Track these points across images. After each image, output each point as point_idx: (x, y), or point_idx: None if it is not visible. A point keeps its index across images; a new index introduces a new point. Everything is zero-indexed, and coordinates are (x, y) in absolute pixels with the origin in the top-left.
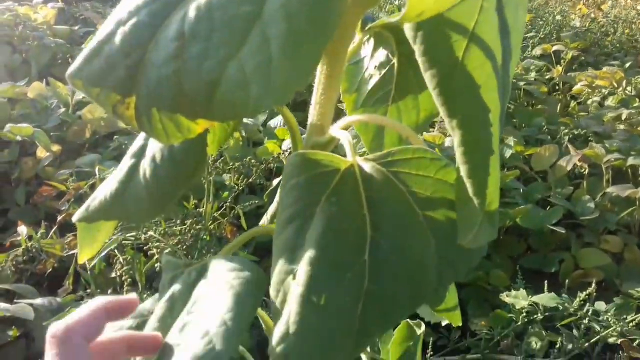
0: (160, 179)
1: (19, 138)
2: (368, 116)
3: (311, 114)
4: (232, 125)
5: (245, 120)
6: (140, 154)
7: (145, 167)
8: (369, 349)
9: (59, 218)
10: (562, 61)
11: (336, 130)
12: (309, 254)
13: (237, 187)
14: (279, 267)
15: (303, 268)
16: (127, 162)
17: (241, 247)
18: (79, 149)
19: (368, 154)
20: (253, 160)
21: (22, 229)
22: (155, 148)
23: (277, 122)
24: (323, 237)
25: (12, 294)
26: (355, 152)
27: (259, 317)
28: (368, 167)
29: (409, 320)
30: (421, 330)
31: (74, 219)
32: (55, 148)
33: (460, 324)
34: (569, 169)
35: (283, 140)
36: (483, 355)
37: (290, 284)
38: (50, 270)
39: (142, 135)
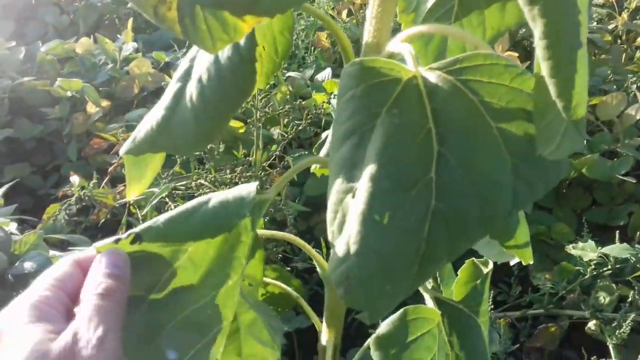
0: (207, 101)
1: (69, 94)
2: (430, 26)
3: (366, 30)
4: (280, 53)
5: (291, 74)
6: (185, 77)
7: (192, 89)
8: (429, 285)
9: (110, 169)
10: (626, 10)
11: (394, 45)
12: (369, 170)
13: (286, 136)
14: (337, 185)
15: (363, 185)
16: (172, 87)
17: (292, 198)
18: (128, 105)
19: None
20: (300, 112)
21: (74, 179)
22: (201, 68)
23: (324, 75)
24: (384, 152)
25: (66, 245)
26: (418, 64)
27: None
28: (433, 76)
29: (474, 258)
30: (488, 268)
31: (121, 151)
32: (104, 103)
33: (531, 262)
34: (637, 117)
35: (331, 93)
36: (546, 310)
37: (349, 202)
38: (103, 220)
39: (188, 57)
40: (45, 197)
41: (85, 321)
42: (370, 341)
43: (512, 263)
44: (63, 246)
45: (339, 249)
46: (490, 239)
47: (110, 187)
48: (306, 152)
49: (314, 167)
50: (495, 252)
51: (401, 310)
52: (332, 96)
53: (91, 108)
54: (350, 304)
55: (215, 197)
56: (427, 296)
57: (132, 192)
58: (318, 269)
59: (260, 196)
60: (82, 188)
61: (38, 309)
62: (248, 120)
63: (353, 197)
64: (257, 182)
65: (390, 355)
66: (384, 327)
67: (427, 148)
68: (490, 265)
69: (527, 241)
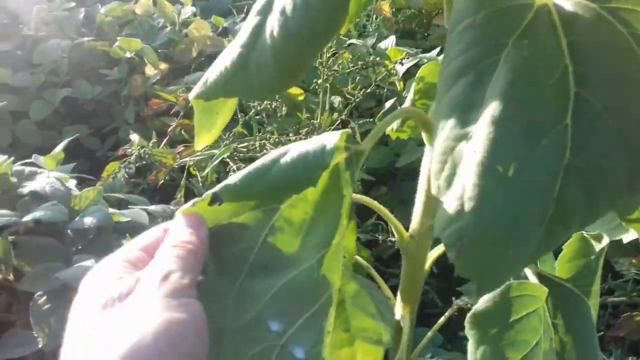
0: (291, 36)
1: (127, 55)
2: None
3: None
4: None
5: (353, 41)
6: (266, 10)
7: (273, 23)
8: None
9: (169, 129)
10: None
11: None
12: (490, 112)
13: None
14: (446, 131)
15: (483, 130)
16: (250, 22)
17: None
18: (186, 69)
19: None
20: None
21: (134, 136)
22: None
23: (387, 43)
24: (510, 92)
25: (125, 204)
26: None
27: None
28: (569, 4)
29: (584, 232)
30: (603, 243)
31: (191, 95)
32: (163, 66)
33: None
34: None
35: (396, 61)
36: (629, 297)
37: (463, 150)
38: (161, 183)
39: None
40: (102, 159)
41: (151, 266)
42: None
43: (625, 240)
44: (122, 206)
45: (450, 205)
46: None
47: (169, 148)
48: (370, 120)
49: (390, 129)
50: (607, 227)
51: (504, 285)
52: (395, 64)
53: (149, 70)
54: (463, 270)
55: (295, 148)
56: (529, 272)
57: (201, 142)
58: (396, 237)
59: (357, 147)
60: (142, 147)
61: (128, 265)
62: (309, 88)
63: (467, 144)
64: (346, 130)
65: (489, 336)
66: (482, 304)
67: (562, 89)
68: (606, 240)
69: None
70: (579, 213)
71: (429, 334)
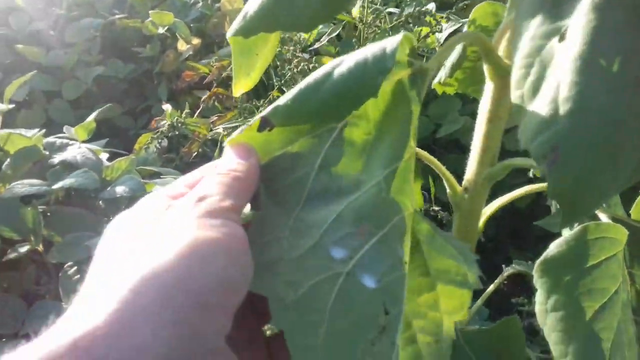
0: None
1: (160, 31)
2: None
3: None
4: None
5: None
6: None
7: None
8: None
9: (203, 98)
10: None
11: None
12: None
13: None
14: (532, 29)
15: (581, 19)
16: None
17: None
18: (219, 44)
19: None
20: None
21: (167, 106)
22: None
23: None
24: None
25: (158, 177)
26: None
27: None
28: None
29: None
30: None
31: (229, 33)
32: (195, 41)
33: None
34: None
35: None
36: None
37: (555, 48)
38: (195, 155)
39: None
40: (135, 138)
41: (190, 192)
42: (536, 267)
43: None
44: (154, 179)
45: (541, 110)
46: None
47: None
48: None
49: (437, 82)
50: None
51: (579, 227)
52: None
53: (182, 46)
54: (556, 187)
55: (350, 57)
56: (603, 216)
57: (240, 87)
58: (449, 192)
59: (422, 64)
60: (174, 117)
61: (170, 200)
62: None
63: (562, 39)
64: (407, 33)
65: (562, 284)
66: (554, 248)
67: None
68: None
69: None
70: None
71: (478, 302)
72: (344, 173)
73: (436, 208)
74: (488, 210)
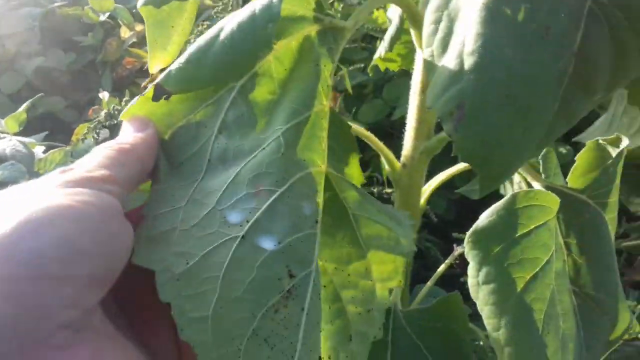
0: None
1: (101, 18)
2: None
3: None
4: None
5: None
6: None
7: None
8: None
9: (143, 84)
10: None
11: None
12: None
13: None
14: None
15: None
16: None
17: None
18: None
19: None
20: None
21: (104, 94)
22: None
23: None
24: None
25: None
26: None
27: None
28: None
29: (599, 138)
30: (622, 144)
31: (139, 4)
32: (139, 27)
33: None
34: None
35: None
36: None
37: (461, 1)
38: None
39: None
40: None
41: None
42: (466, 239)
43: None
44: None
45: (447, 66)
46: (630, 105)
47: None
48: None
49: (377, 57)
50: (626, 133)
51: (508, 195)
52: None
53: (125, 33)
54: (462, 147)
55: (240, 12)
56: (536, 185)
57: (156, 62)
58: (387, 169)
59: (333, 20)
60: (112, 105)
61: None
62: None
63: None
64: None
65: (492, 255)
66: (484, 219)
67: None
68: (625, 142)
69: None
70: (603, 71)
71: (428, 283)
72: (245, 134)
73: (389, 190)
74: (429, 187)
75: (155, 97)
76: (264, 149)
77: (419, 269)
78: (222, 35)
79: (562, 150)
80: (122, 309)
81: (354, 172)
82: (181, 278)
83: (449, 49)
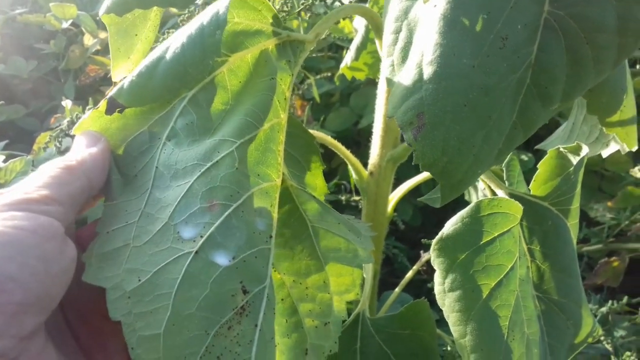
0: None
1: (64, 25)
2: None
3: None
4: None
5: None
6: None
7: None
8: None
9: (107, 92)
10: None
11: None
12: None
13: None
14: None
15: None
16: None
17: None
18: None
19: None
20: None
21: (67, 102)
22: None
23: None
24: None
25: None
26: None
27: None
28: None
29: (560, 146)
30: (583, 153)
31: (101, 12)
32: (103, 35)
33: (635, 148)
34: None
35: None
36: (605, 244)
37: (419, 11)
38: None
39: None
40: None
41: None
42: (432, 246)
43: (605, 154)
44: None
45: (406, 76)
46: (589, 114)
47: None
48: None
49: (344, 66)
50: (585, 142)
51: (473, 203)
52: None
53: (88, 40)
54: (423, 156)
55: (188, 25)
56: (500, 192)
57: (119, 71)
58: (355, 178)
59: (292, 34)
60: (75, 113)
61: None
62: None
63: (425, 0)
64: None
65: (457, 262)
66: (449, 227)
67: None
68: (585, 150)
69: (633, 116)
70: (559, 81)
71: (396, 289)
72: (194, 141)
73: (357, 198)
74: (397, 194)
75: (109, 111)
76: (217, 162)
77: (386, 275)
78: (173, 47)
79: (524, 157)
80: (74, 330)
81: (318, 182)
82: (132, 295)
83: (408, 58)
